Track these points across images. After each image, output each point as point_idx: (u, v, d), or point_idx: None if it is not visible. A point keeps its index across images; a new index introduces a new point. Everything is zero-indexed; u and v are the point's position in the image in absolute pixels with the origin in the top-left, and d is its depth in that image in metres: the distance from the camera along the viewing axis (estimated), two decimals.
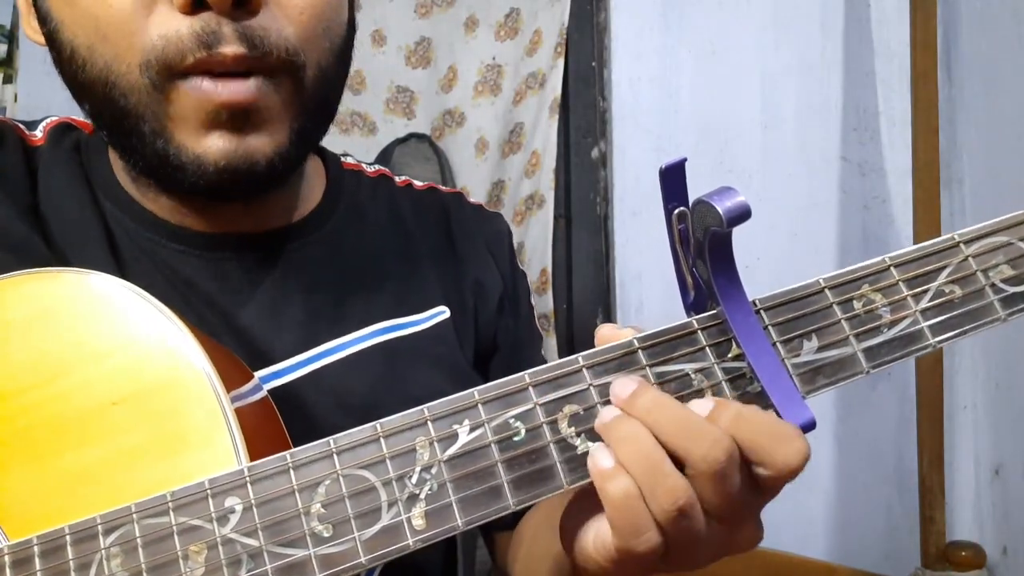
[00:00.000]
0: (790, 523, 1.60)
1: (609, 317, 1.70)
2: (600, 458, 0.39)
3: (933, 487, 1.44)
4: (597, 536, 0.41)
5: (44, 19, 0.51)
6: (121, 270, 0.55)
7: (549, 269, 1.74)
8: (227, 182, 0.50)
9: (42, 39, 0.54)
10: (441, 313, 0.65)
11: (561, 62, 1.74)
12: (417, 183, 0.73)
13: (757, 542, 0.42)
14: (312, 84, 0.52)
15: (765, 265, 1.60)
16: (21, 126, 0.59)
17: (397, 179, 0.72)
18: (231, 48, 0.47)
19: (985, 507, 1.54)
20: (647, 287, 1.70)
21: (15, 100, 1.87)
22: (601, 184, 1.74)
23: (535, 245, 1.75)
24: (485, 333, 0.68)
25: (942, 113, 1.46)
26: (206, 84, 0.48)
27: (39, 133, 0.59)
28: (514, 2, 1.80)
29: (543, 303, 1.74)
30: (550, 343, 1.73)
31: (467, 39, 1.83)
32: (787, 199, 1.66)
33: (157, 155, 0.50)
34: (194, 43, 0.46)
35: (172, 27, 0.47)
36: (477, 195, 1.80)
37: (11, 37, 1.89)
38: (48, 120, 0.60)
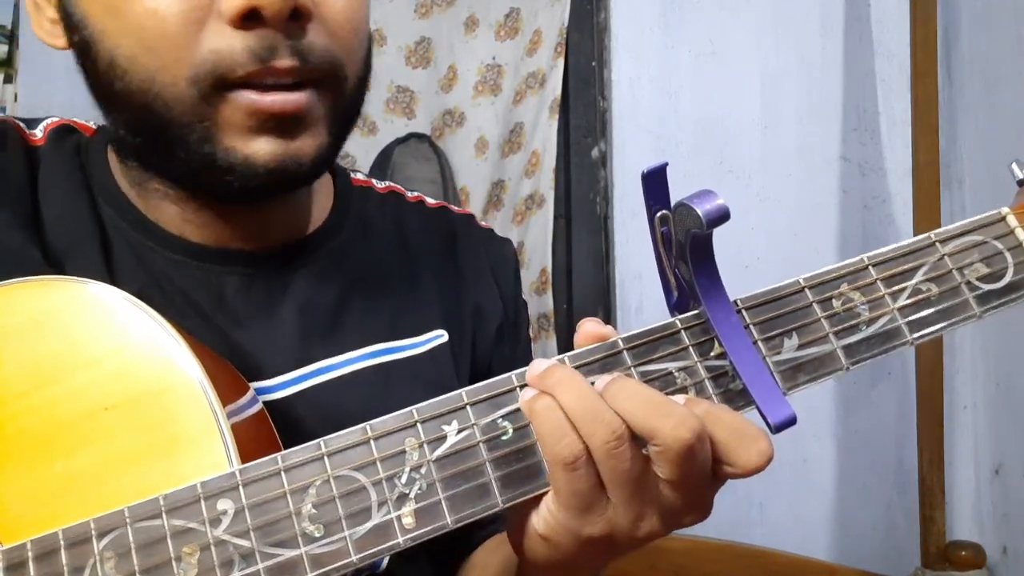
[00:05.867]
0: (790, 523, 1.61)
1: (609, 317, 1.70)
2: (526, 392, 0.41)
3: (933, 487, 1.44)
4: (543, 506, 0.42)
5: (76, 26, 0.51)
6: (114, 277, 0.54)
7: (549, 269, 1.74)
8: (274, 182, 0.52)
9: (59, 42, 0.54)
10: (439, 337, 0.64)
11: (561, 62, 1.74)
12: (430, 200, 0.72)
13: (703, 519, 0.43)
14: (350, 92, 0.54)
15: (765, 265, 1.60)
16: (21, 124, 0.58)
17: (409, 195, 0.71)
18: (285, 61, 0.49)
19: (985, 507, 1.53)
20: (647, 287, 1.70)
21: (15, 100, 1.87)
22: (601, 184, 1.74)
23: (535, 245, 1.75)
24: (481, 359, 0.67)
25: (942, 113, 1.46)
26: (256, 96, 0.49)
27: (39, 133, 0.58)
28: (514, 2, 1.80)
29: (543, 303, 1.74)
30: (550, 343, 1.73)
31: (467, 39, 1.83)
32: (787, 199, 1.66)
33: (203, 160, 0.51)
34: (247, 58, 0.48)
35: (225, 42, 0.48)
36: (477, 195, 1.80)
37: (11, 37, 1.89)
38: (49, 120, 0.60)
